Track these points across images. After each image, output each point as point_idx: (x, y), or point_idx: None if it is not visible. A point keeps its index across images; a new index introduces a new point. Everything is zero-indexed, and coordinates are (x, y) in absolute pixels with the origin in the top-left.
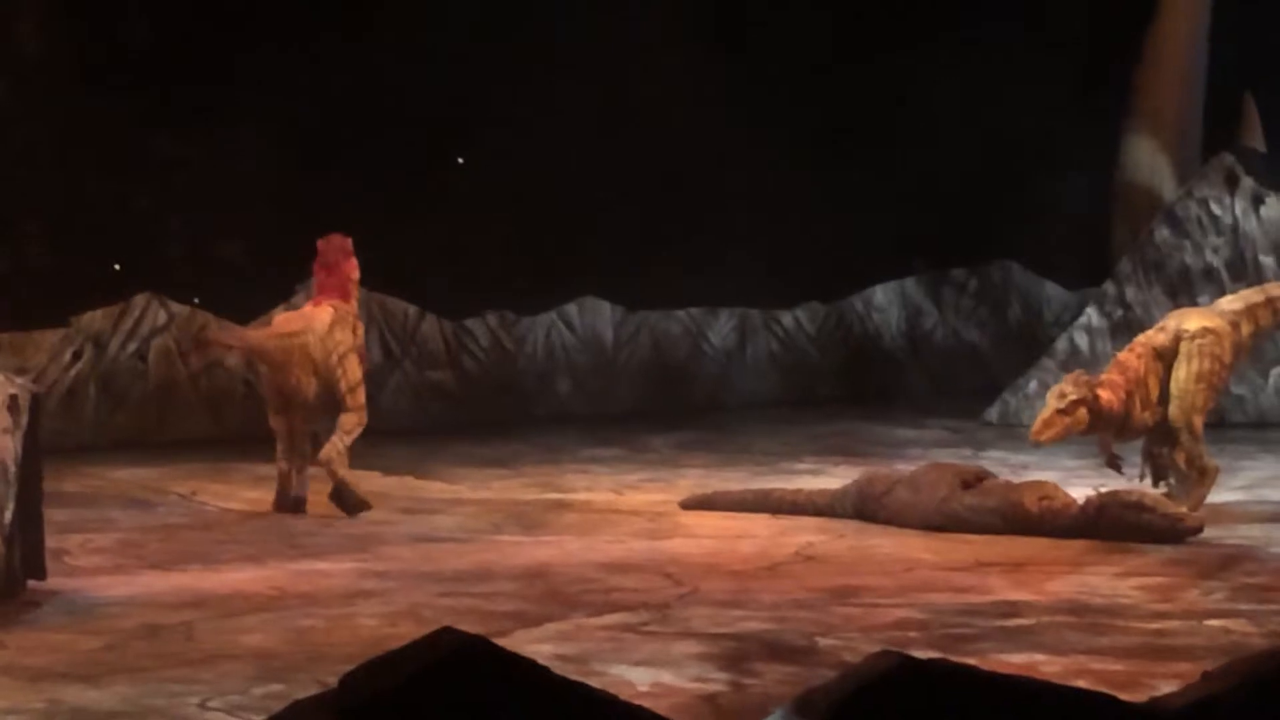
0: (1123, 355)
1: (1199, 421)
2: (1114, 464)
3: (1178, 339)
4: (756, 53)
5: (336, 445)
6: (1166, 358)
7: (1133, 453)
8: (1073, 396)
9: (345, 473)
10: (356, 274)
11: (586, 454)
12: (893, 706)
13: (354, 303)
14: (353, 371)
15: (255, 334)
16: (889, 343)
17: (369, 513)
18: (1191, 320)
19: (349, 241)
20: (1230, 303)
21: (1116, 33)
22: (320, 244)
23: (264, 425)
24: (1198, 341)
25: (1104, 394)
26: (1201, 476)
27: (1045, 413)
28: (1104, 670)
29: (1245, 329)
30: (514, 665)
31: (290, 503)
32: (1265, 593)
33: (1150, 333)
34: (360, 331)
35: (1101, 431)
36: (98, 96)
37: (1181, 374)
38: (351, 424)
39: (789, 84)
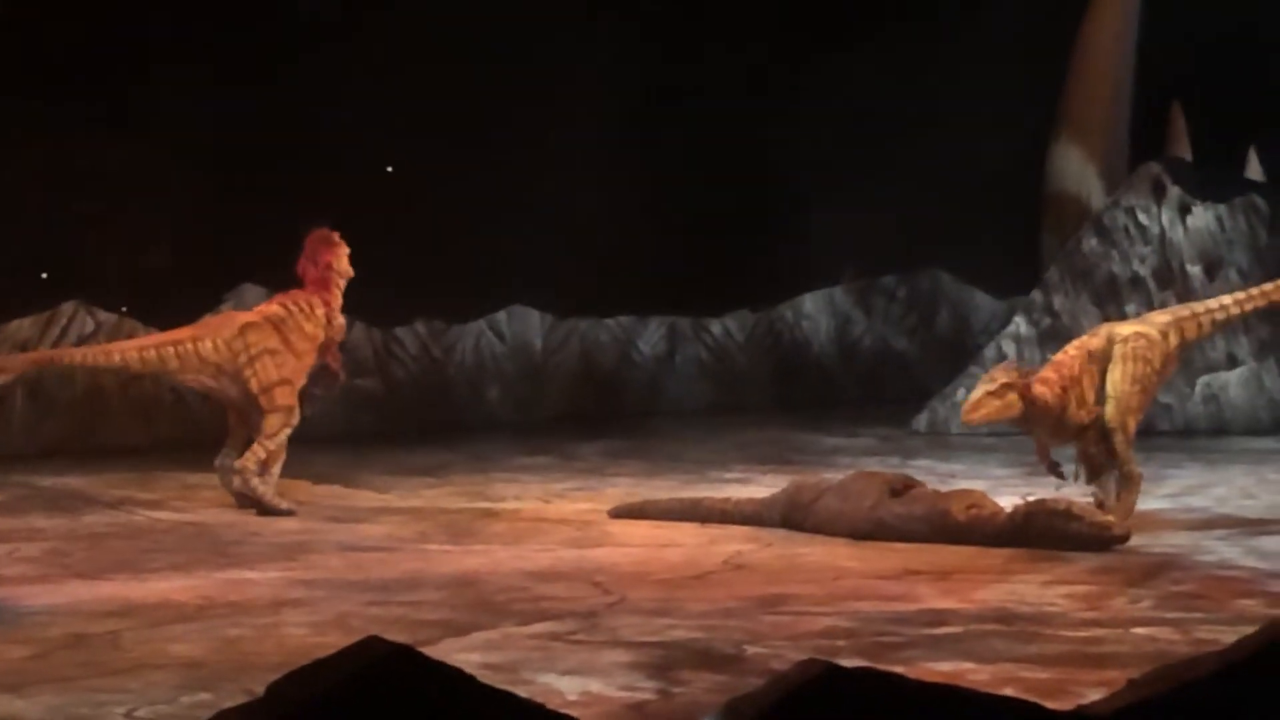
0: (1059, 355)
1: (1132, 424)
2: (1054, 470)
3: (1111, 342)
4: (682, 61)
5: (256, 453)
6: (1100, 360)
7: (1067, 459)
8: (1003, 380)
9: (258, 481)
10: (340, 263)
11: (515, 462)
12: (820, 714)
13: (335, 294)
14: (265, 373)
15: (71, 351)
16: (818, 351)
17: (297, 522)
18: (1124, 326)
19: (332, 232)
20: (1159, 315)
21: (1044, 41)
22: (307, 239)
23: (192, 433)
24: (1130, 344)
25: (1038, 386)
26: (1127, 483)
27: (975, 394)
28: (1031, 678)
29: (1173, 340)
30: (441, 674)
31: (238, 497)
32: (1191, 600)
33: (1085, 337)
34: (339, 325)
35: (1036, 424)
36: (22, 105)
37: (1116, 375)
38: (274, 427)
39: (718, 92)
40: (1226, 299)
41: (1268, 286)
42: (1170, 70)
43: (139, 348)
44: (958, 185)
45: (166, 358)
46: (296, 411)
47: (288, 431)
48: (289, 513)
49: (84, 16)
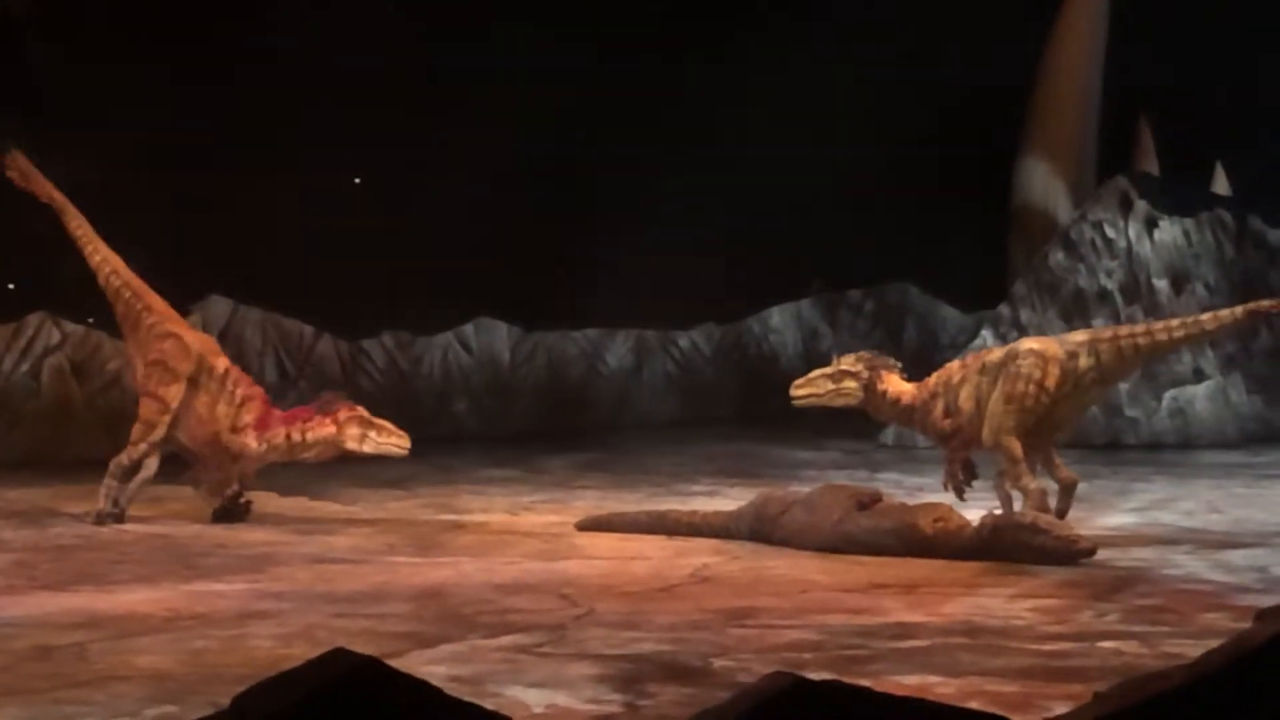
0: (953, 361)
1: (1010, 442)
2: (956, 486)
3: (1010, 357)
4: (656, 71)
5: (120, 459)
6: (994, 373)
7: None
8: (844, 367)
9: (113, 482)
10: (315, 434)
11: (482, 475)
12: None
13: (278, 432)
14: (148, 380)
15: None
16: (785, 364)
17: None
18: (1027, 342)
19: (340, 423)
20: (1078, 334)
21: (1012, 56)
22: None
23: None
24: (1018, 362)
25: (890, 381)
26: (1025, 499)
27: (813, 374)
28: (997, 691)
29: (1084, 361)
30: (407, 686)
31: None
32: (1157, 614)
33: (993, 348)
34: (244, 445)
35: (880, 417)
36: None
37: (995, 393)
38: (134, 435)
39: (685, 99)
40: (1157, 324)
41: (1204, 316)
42: (1138, 84)
43: (116, 270)
44: (924, 198)
45: (121, 295)
46: (159, 430)
47: (144, 446)
48: (111, 521)
49: (52, 32)
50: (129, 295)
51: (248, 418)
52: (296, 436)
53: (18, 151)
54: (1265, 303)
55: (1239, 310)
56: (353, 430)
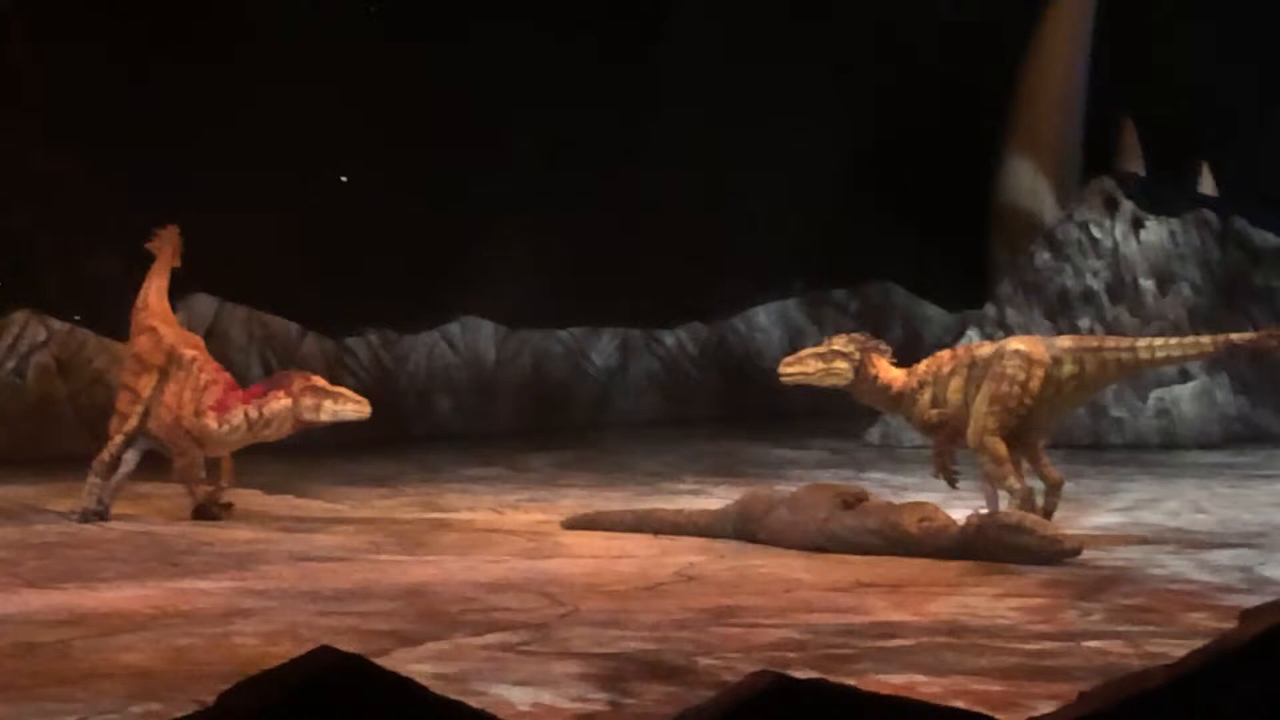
0: (944, 351)
1: (993, 443)
2: (947, 475)
3: (998, 354)
4: (644, 65)
5: (101, 455)
6: (983, 370)
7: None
8: (836, 347)
9: (95, 479)
10: (270, 408)
11: (467, 473)
12: None
13: (235, 412)
14: (123, 374)
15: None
16: (770, 363)
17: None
18: (1015, 342)
19: (298, 393)
20: (1064, 339)
21: (997, 54)
22: (279, 374)
23: None
24: (1004, 361)
25: (880, 366)
26: (1011, 498)
27: (803, 352)
28: (982, 691)
29: (1067, 368)
30: (392, 684)
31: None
32: (1142, 614)
33: (983, 342)
34: (201, 426)
35: (866, 400)
36: None
37: (979, 394)
38: (110, 429)
39: (672, 94)
40: (1141, 342)
41: (1187, 340)
42: (1123, 84)
43: (145, 285)
44: (909, 196)
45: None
46: (132, 420)
47: (119, 439)
48: (95, 518)
49: (35, 28)
50: (138, 297)
51: (209, 401)
52: (254, 414)
53: (175, 230)
54: (1248, 335)
55: (1220, 339)
56: (308, 401)
